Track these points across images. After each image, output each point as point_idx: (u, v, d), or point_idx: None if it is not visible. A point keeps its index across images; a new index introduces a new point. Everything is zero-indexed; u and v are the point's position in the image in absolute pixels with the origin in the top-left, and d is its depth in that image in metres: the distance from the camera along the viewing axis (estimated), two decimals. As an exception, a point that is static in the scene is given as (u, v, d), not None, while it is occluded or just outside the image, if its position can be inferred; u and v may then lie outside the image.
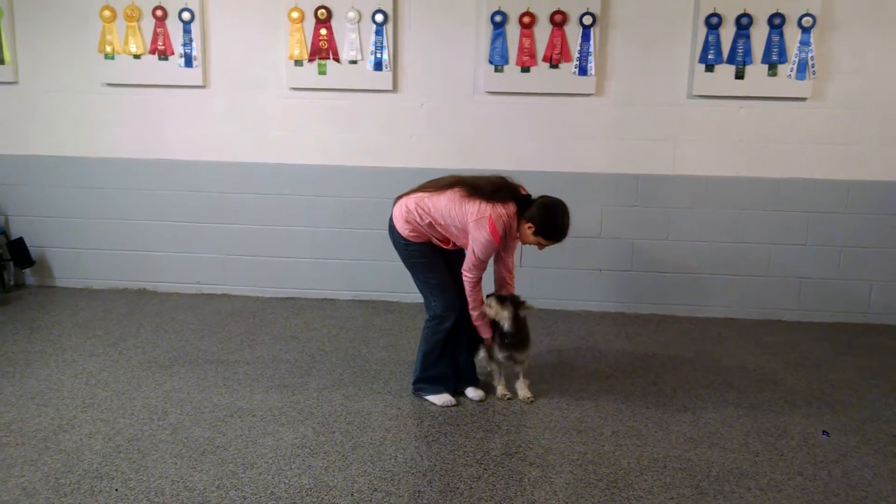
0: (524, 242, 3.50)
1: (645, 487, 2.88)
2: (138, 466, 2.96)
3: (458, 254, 3.57)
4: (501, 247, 3.49)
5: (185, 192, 5.24)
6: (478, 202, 3.32)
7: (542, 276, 5.09)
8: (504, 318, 3.52)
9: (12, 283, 5.46)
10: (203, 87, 5.05)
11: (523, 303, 3.58)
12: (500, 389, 3.67)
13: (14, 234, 5.37)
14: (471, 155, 4.91)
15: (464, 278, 3.45)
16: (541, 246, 3.47)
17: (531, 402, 3.62)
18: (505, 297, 3.56)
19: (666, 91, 4.81)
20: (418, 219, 3.41)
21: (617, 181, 4.94)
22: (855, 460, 3.13)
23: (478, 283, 3.47)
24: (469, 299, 3.49)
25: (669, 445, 3.23)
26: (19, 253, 5.28)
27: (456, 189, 3.37)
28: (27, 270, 5.45)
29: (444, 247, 3.52)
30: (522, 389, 3.66)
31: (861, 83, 4.70)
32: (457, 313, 3.52)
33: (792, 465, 3.07)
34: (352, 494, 2.79)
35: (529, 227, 3.38)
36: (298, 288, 5.32)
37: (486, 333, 3.60)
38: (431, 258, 3.51)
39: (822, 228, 4.90)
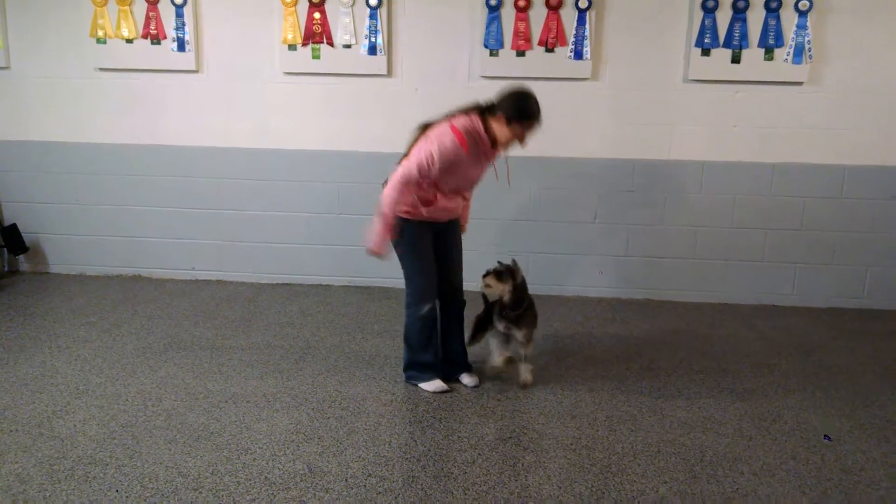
0: (503, 145, 3.23)
1: (639, 472, 2.89)
2: (132, 452, 2.95)
3: (453, 241, 3.56)
4: (472, 165, 3.25)
5: (179, 178, 5.21)
6: (438, 123, 3.23)
7: (537, 261, 5.09)
8: (506, 291, 3.46)
9: (6, 269, 5.44)
10: (196, 71, 5.02)
11: (516, 269, 3.49)
12: (495, 358, 3.61)
13: (7, 221, 5.35)
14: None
15: (391, 176, 3.19)
16: (521, 139, 3.21)
17: (525, 386, 3.62)
18: (502, 272, 3.45)
19: (662, 75, 4.78)
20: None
21: (612, 166, 4.92)
22: (848, 445, 3.14)
23: (403, 186, 3.17)
24: (385, 195, 3.19)
25: (663, 430, 3.23)
26: (13, 239, 5.26)
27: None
28: (21, 257, 5.43)
29: (434, 217, 3.38)
30: (524, 373, 3.60)
31: (858, 67, 4.67)
32: (431, 302, 3.46)
33: (785, 450, 3.08)
34: (346, 480, 2.79)
35: (500, 119, 3.16)
36: (293, 274, 5.31)
37: (379, 236, 3.23)
38: (414, 244, 3.41)
39: (817, 213, 4.89)
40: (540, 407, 3.43)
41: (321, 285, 5.28)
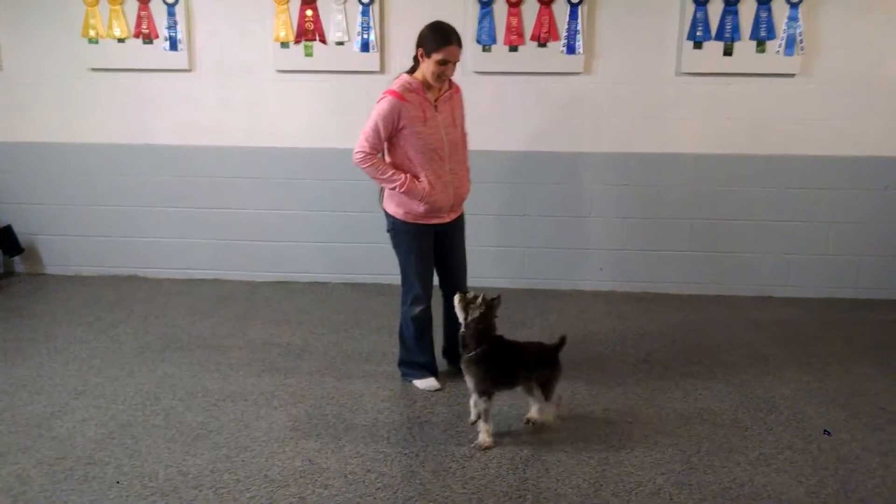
0: (433, 79, 3.24)
1: (636, 464, 2.90)
2: (132, 452, 2.96)
3: (455, 242, 3.57)
4: (423, 120, 3.24)
5: (174, 178, 5.21)
6: None
7: (533, 256, 5.11)
8: (463, 319, 3.08)
9: (2, 270, 5.43)
10: (189, 70, 5.01)
11: (490, 306, 3.06)
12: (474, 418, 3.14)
13: (2, 222, 5.34)
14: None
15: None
16: (445, 66, 3.21)
17: (481, 448, 3.03)
18: (470, 298, 3.06)
19: (654, 69, 4.79)
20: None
21: (607, 160, 4.93)
22: (844, 434, 3.16)
23: (371, 157, 3.25)
24: (377, 181, 3.33)
25: (660, 422, 3.25)
26: (8, 241, 5.25)
27: None
28: (16, 258, 5.42)
29: (434, 205, 3.35)
30: (481, 434, 3.03)
31: (850, 58, 4.69)
32: (424, 304, 3.48)
33: (781, 440, 3.10)
34: (345, 476, 2.80)
35: (422, 58, 3.23)
36: (290, 272, 5.31)
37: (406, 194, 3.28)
38: (412, 247, 3.42)
39: (811, 204, 4.91)
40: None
41: (318, 283, 5.29)
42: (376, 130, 3.23)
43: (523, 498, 2.67)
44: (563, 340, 3.11)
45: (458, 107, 3.46)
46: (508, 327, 4.37)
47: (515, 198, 5.02)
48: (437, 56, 3.18)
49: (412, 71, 3.33)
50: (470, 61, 4.80)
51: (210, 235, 5.29)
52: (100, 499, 2.64)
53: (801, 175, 4.87)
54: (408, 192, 3.27)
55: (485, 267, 5.04)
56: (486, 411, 3.02)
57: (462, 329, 3.10)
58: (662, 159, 4.91)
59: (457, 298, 3.12)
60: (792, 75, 4.72)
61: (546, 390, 3.07)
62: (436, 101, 3.31)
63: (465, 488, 2.73)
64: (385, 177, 3.29)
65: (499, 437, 3.09)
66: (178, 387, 3.58)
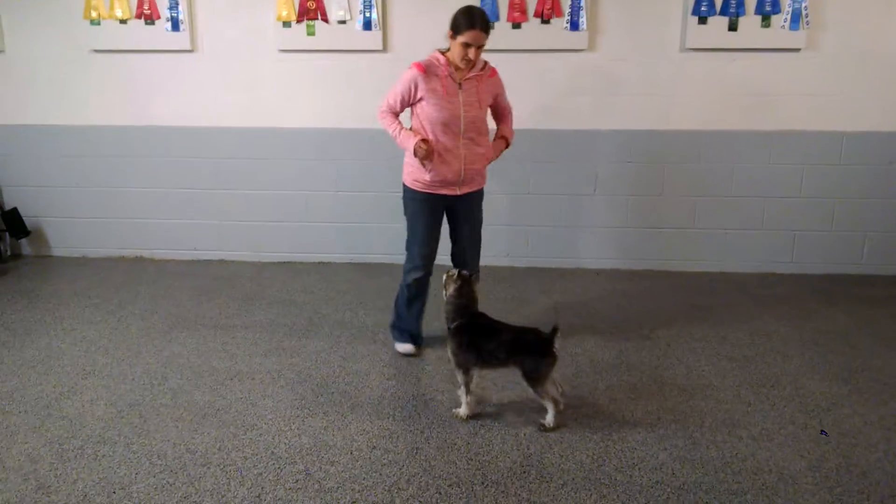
0: (459, 60, 3.35)
1: (639, 439, 2.93)
2: (140, 431, 3.00)
3: (465, 216, 3.63)
4: (440, 94, 3.36)
5: (178, 159, 5.21)
6: None
7: (537, 234, 5.11)
8: (445, 294, 3.19)
9: (9, 253, 5.46)
10: (191, 51, 4.99)
11: (467, 282, 3.17)
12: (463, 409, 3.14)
13: (8, 205, 5.36)
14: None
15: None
16: (468, 49, 3.29)
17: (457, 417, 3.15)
18: (453, 275, 3.19)
19: (659, 44, 4.76)
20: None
21: (610, 137, 4.92)
22: (846, 408, 3.18)
23: (384, 112, 3.51)
24: (385, 128, 3.55)
25: (663, 398, 3.28)
26: (14, 223, 5.28)
27: None
28: (23, 240, 5.45)
29: (442, 176, 3.45)
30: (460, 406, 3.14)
31: (855, 33, 4.64)
32: (419, 274, 3.60)
33: (784, 415, 3.12)
34: (351, 452, 2.84)
35: (450, 39, 3.37)
36: (294, 252, 5.33)
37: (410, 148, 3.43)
38: (418, 217, 3.56)
39: (815, 180, 4.89)
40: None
41: (322, 262, 5.31)
42: (394, 93, 3.45)
43: (527, 474, 2.70)
44: (555, 330, 2.96)
45: (487, 89, 3.52)
46: (512, 305, 4.41)
47: (519, 176, 5.02)
48: (461, 38, 3.29)
49: (447, 50, 3.46)
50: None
51: (215, 217, 5.31)
52: (109, 477, 2.68)
53: (805, 150, 4.84)
54: (401, 142, 3.47)
55: (488, 245, 5.04)
56: (466, 384, 3.08)
57: (445, 303, 3.19)
58: (666, 136, 4.89)
59: (444, 277, 3.22)
60: (797, 50, 4.68)
61: (532, 380, 2.97)
62: (461, 80, 3.41)
63: (469, 464, 2.76)
64: (390, 129, 3.51)
65: (503, 413, 3.12)
66: (186, 366, 3.61)
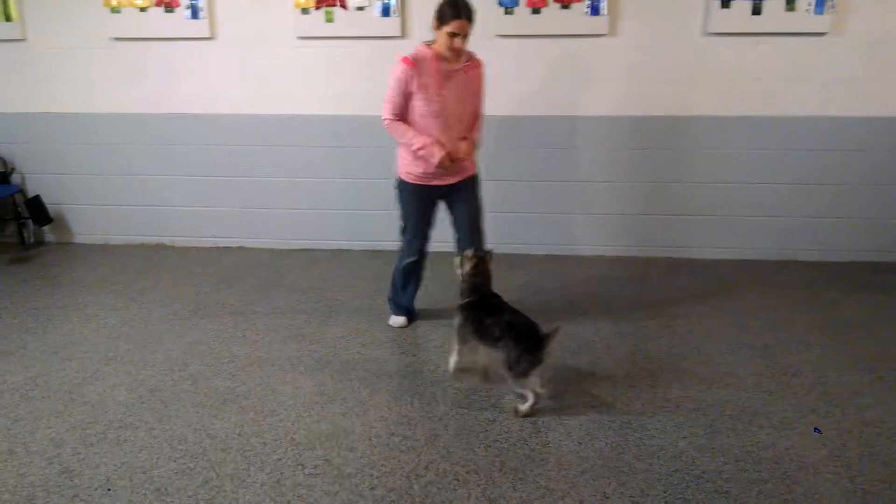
0: (446, 50, 3.40)
1: (658, 427, 2.92)
2: (161, 416, 3.03)
3: (461, 203, 3.70)
4: (430, 85, 3.41)
5: (198, 146, 5.24)
6: None
7: (554, 221, 5.09)
8: (459, 274, 3.34)
9: (32, 240, 5.53)
10: (210, 38, 5.00)
11: (483, 260, 3.33)
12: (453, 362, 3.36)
13: (31, 192, 5.42)
14: (482, 101, 4.84)
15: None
16: (454, 38, 3.36)
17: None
18: (464, 256, 3.35)
19: (681, 29, 4.69)
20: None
21: (631, 124, 4.87)
22: (869, 397, 3.15)
23: (393, 122, 3.50)
24: (400, 141, 3.55)
25: (682, 386, 3.26)
26: (37, 210, 5.34)
27: None
28: (46, 227, 5.51)
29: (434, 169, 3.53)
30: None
31: (882, 16, 4.55)
32: (412, 257, 3.79)
33: (805, 404, 3.10)
34: (370, 439, 2.85)
35: (435, 26, 3.40)
36: (313, 239, 5.35)
37: (431, 152, 3.46)
38: (410, 205, 3.70)
39: (838, 167, 4.82)
40: (558, 366, 3.46)
41: (340, 250, 5.32)
42: (392, 95, 3.45)
43: (545, 461, 2.70)
44: (555, 331, 2.93)
45: (474, 80, 3.61)
46: (527, 293, 4.40)
47: (536, 163, 4.99)
48: (446, 28, 3.35)
49: (432, 42, 3.50)
50: (492, 24, 4.74)
51: (234, 204, 5.33)
52: (131, 461, 2.72)
53: (829, 136, 4.77)
54: (426, 154, 3.46)
55: (504, 232, 5.04)
56: (458, 352, 3.32)
57: (461, 280, 3.35)
58: (688, 122, 4.83)
59: (455, 261, 3.41)
60: (822, 34, 4.60)
61: (510, 369, 2.96)
62: (448, 71, 3.45)
63: (487, 451, 2.76)
64: (404, 140, 3.51)
65: (521, 401, 3.12)
66: (206, 353, 3.64)
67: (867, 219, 4.89)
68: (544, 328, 2.99)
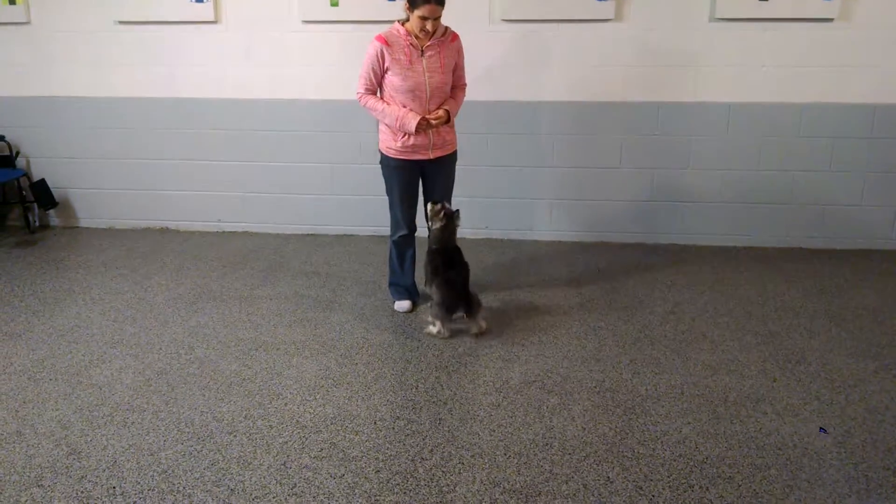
0: (418, 31, 3.54)
1: (662, 413, 2.93)
2: (168, 399, 3.05)
3: (438, 178, 3.83)
4: (404, 63, 3.55)
5: (202, 131, 5.23)
6: None
7: (561, 207, 5.08)
8: (434, 224, 3.70)
9: (37, 224, 5.54)
10: (215, 22, 4.98)
11: (451, 215, 3.68)
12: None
13: (36, 176, 5.43)
14: (487, 84, 4.81)
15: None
16: (426, 21, 3.48)
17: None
18: (440, 208, 3.68)
19: (688, 14, 4.66)
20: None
21: (637, 109, 4.85)
22: (873, 385, 3.15)
23: (365, 95, 3.68)
24: (374, 114, 3.69)
25: (687, 373, 3.26)
26: (42, 194, 5.34)
27: None
28: (51, 211, 5.52)
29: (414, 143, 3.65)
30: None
31: (889, 2, 4.51)
32: (402, 231, 3.86)
33: (809, 390, 3.10)
34: (375, 422, 2.86)
35: (407, 9, 3.53)
36: (318, 224, 5.35)
37: (404, 126, 3.60)
38: (392, 181, 3.78)
39: (846, 154, 4.80)
40: (564, 351, 3.47)
41: (345, 235, 5.32)
42: (366, 71, 3.63)
43: (549, 446, 2.71)
44: (478, 305, 3.69)
45: (449, 54, 3.65)
46: (534, 278, 4.40)
47: (543, 148, 4.97)
48: (418, 13, 3.47)
49: (407, 20, 3.61)
50: (498, 8, 4.72)
51: (239, 188, 5.33)
52: (138, 443, 2.73)
53: (836, 123, 4.74)
54: (401, 125, 3.58)
55: (513, 218, 5.03)
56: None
57: (429, 231, 3.74)
58: (694, 108, 4.81)
59: (428, 206, 3.72)
60: (830, 20, 4.56)
61: (430, 305, 3.69)
62: (423, 47, 3.56)
63: (491, 435, 2.78)
64: (377, 112, 3.65)
65: (526, 385, 3.13)
66: (212, 336, 3.66)
67: (875, 206, 4.87)
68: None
